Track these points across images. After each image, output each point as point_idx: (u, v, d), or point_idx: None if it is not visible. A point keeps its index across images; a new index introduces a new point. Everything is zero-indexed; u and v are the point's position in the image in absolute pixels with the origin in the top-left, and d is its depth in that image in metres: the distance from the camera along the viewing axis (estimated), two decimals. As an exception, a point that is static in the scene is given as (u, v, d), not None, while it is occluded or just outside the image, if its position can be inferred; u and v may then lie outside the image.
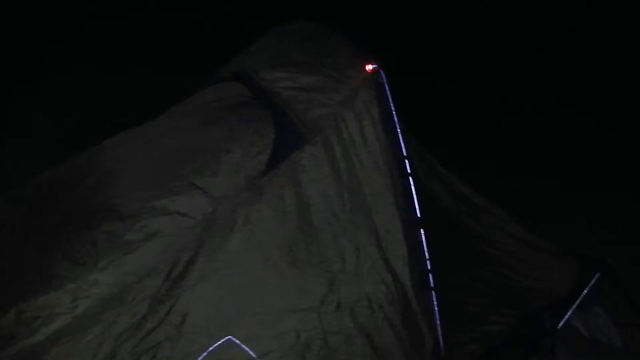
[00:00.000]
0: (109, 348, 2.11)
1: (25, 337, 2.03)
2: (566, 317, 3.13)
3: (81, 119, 4.26)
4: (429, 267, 2.40)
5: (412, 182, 2.45)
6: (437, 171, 3.07)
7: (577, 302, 3.16)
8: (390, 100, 2.51)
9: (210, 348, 2.17)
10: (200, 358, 2.16)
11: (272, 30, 3.05)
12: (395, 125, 2.49)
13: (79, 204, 2.40)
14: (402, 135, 2.49)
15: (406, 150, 2.47)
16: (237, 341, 2.18)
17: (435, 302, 2.40)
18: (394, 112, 2.49)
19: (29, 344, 2.03)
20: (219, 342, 2.18)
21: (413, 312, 2.40)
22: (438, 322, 2.40)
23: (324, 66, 2.63)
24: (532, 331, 3.07)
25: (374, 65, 2.51)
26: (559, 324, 3.12)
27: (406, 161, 2.46)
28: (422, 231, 2.41)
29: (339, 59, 2.65)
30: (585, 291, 3.17)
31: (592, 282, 3.18)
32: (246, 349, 2.18)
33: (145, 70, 4.76)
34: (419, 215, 2.43)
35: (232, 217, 2.30)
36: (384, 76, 2.53)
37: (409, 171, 2.45)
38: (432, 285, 2.40)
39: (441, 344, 2.40)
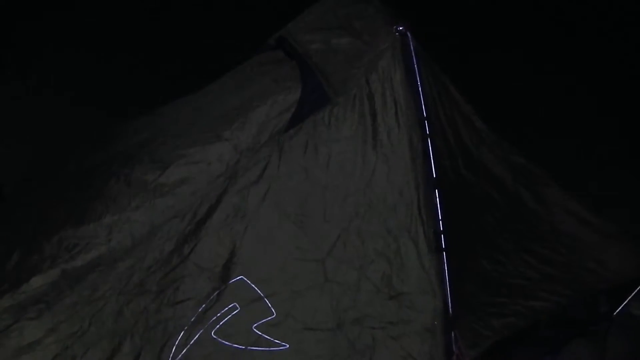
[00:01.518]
0: (138, 278, 2.32)
1: (66, 261, 2.29)
2: (624, 303, 2.96)
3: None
4: (441, 228, 2.36)
5: (430, 144, 2.40)
6: (490, 141, 2.96)
7: (638, 289, 2.96)
8: (415, 63, 2.46)
9: (223, 287, 2.31)
10: (215, 294, 2.31)
11: (317, 2, 3.09)
12: (419, 88, 2.45)
13: (125, 150, 2.63)
14: (425, 98, 2.45)
15: (426, 112, 2.42)
16: (248, 281, 2.30)
17: (445, 264, 2.35)
18: (417, 75, 2.45)
19: (69, 267, 2.28)
20: (232, 280, 2.31)
21: (425, 272, 2.37)
22: (448, 284, 2.35)
23: (355, 29, 2.62)
24: (584, 314, 2.91)
25: (401, 28, 2.48)
26: (615, 310, 2.95)
27: (426, 122, 2.41)
28: (436, 192, 2.36)
29: (370, 23, 2.62)
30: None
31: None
32: (255, 288, 2.30)
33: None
34: (434, 176, 2.38)
35: (253, 170, 2.40)
36: (411, 39, 2.49)
37: (427, 133, 2.41)
38: (443, 246, 2.35)
39: (450, 306, 2.35)
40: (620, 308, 2.97)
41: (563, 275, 2.82)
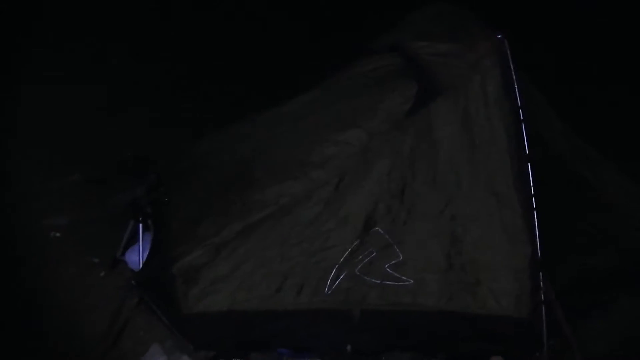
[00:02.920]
0: (298, 230, 3.01)
1: (246, 217, 3.02)
2: None
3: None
4: (532, 192, 2.97)
5: (524, 127, 3.01)
6: (556, 125, 3.57)
7: None
8: (511, 64, 3.06)
9: (363, 237, 2.99)
10: (357, 241, 2.99)
11: (414, 11, 3.73)
12: (514, 83, 3.05)
13: (275, 136, 3.35)
14: (519, 92, 3.04)
15: (520, 103, 3.02)
16: (382, 232, 2.98)
17: (536, 221, 2.97)
18: (513, 74, 3.05)
19: (249, 222, 3.01)
20: (369, 232, 2.99)
21: (518, 226, 3.00)
22: (537, 235, 2.97)
23: (458, 37, 3.24)
24: (632, 273, 3.46)
25: (499, 36, 3.08)
26: None
27: (520, 111, 3.02)
28: (529, 165, 2.98)
29: (470, 31, 3.23)
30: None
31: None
32: (387, 237, 2.97)
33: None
34: (527, 152, 3.00)
35: (381, 148, 3.05)
36: (507, 45, 3.09)
37: (522, 119, 3.01)
38: (534, 206, 2.97)
39: (539, 253, 2.97)
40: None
41: (615, 237, 3.39)
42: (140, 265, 3.28)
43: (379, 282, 2.97)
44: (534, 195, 2.95)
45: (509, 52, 3.03)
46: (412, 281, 2.98)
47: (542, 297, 2.95)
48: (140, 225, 3.38)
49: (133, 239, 3.48)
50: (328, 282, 2.97)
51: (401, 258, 2.99)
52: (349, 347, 2.94)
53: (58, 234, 3.94)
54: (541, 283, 2.92)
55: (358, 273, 2.97)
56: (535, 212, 2.95)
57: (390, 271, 2.98)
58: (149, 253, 3.25)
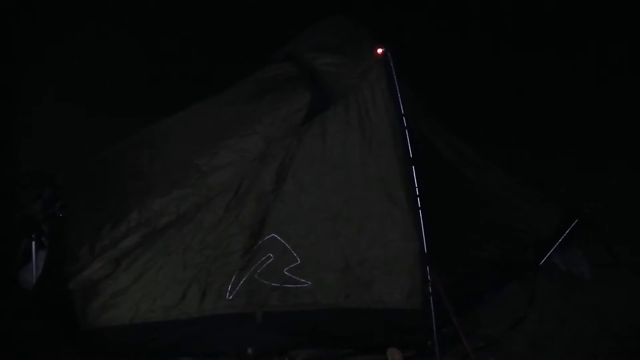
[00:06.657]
0: (199, 237, 3.04)
1: (146, 227, 3.01)
2: (548, 255, 3.81)
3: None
4: (417, 192, 3.21)
5: (407, 133, 3.24)
6: (442, 133, 3.87)
7: (557, 243, 3.83)
8: (394, 74, 3.29)
9: (260, 242, 3.07)
10: (255, 246, 3.07)
11: (314, 24, 3.91)
12: (397, 93, 3.29)
13: (178, 148, 3.37)
14: (402, 100, 3.28)
15: (404, 110, 3.24)
16: (279, 237, 3.07)
17: (421, 219, 3.20)
18: (396, 83, 3.28)
19: (149, 231, 3.01)
20: (266, 237, 3.07)
21: (407, 224, 3.21)
22: (424, 232, 3.20)
23: (349, 50, 3.40)
24: (517, 262, 3.80)
25: (383, 49, 3.31)
26: (541, 260, 3.81)
27: (404, 118, 3.25)
28: (413, 167, 3.21)
29: (359, 45, 3.41)
30: (565, 234, 3.82)
31: (572, 226, 3.86)
32: (283, 242, 3.06)
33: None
34: (411, 156, 3.23)
35: (279, 154, 3.15)
36: (390, 57, 3.31)
37: (405, 125, 3.25)
38: (419, 205, 3.20)
39: (425, 249, 3.20)
40: (545, 259, 3.80)
41: (500, 233, 3.69)
42: (34, 283, 3.16)
43: (278, 285, 3.06)
44: (418, 196, 3.17)
45: (392, 64, 3.25)
46: (310, 283, 3.10)
47: (430, 290, 3.17)
48: (34, 243, 3.27)
49: (26, 258, 3.35)
50: (229, 287, 3.02)
51: (299, 261, 3.10)
52: (249, 350, 3.00)
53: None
54: (429, 277, 3.14)
55: (257, 277, 3.05)
56: (420, 211, 3.17)
57: (289, 274, 3.07)
58: (43, 271, 3.14)
